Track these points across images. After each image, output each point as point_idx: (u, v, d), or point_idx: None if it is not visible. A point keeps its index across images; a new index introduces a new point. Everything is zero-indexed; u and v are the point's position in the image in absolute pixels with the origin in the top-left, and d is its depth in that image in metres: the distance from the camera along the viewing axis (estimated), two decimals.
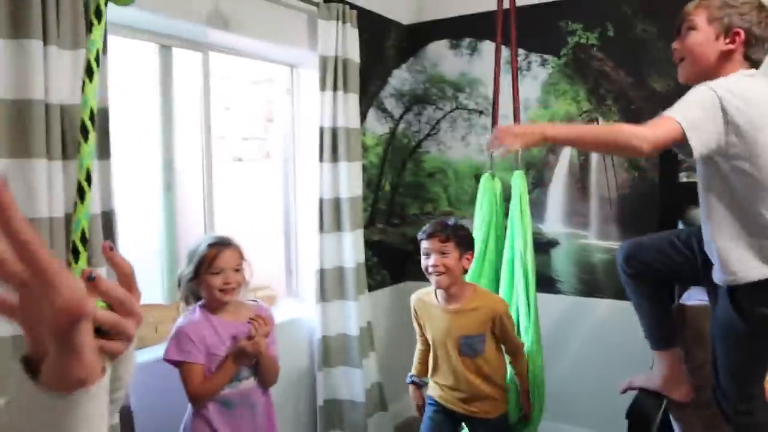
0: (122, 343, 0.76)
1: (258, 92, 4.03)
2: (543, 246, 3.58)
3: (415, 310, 2.69)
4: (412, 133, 4.04)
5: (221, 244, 2.24)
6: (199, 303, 2.27)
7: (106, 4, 0.80)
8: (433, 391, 2.65)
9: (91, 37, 0.79)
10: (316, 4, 3.09)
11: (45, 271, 0.55)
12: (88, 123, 0.78)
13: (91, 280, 0.70)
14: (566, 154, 3.54)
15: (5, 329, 1.90)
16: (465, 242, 2.54)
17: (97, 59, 0.79)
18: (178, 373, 2.17)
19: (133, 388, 2.24)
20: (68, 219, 2.07)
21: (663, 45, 3.14)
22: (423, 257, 2.53)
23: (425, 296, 2.66)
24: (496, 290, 2.84)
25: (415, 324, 2.71)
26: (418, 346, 2.75)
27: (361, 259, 3.27)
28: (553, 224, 3.58)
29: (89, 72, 0.79)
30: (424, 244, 2.52)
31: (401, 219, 4.02)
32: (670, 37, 3.07)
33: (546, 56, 3.55)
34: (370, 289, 3.56)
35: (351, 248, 3.19)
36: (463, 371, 2.51)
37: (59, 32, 2.02)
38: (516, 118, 2.97)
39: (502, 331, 2.53)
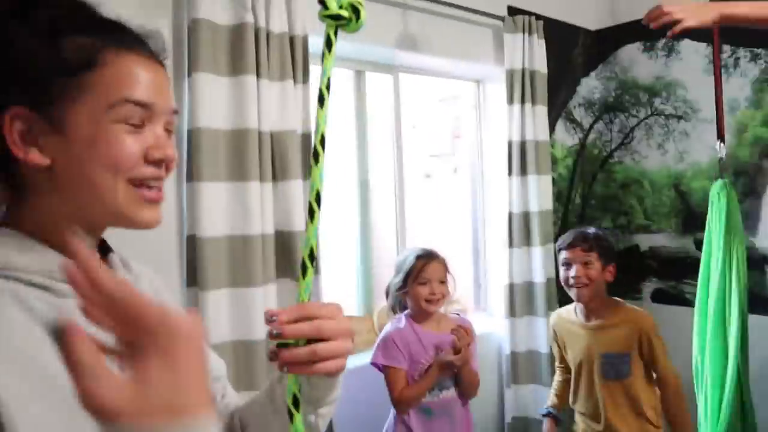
0: (343, 359, 0.81)
1: (445, 110, 4.11)
2: (757, 262, 3.24)
3: (554, 330, 2.50)
4: (603, 143, 3.87)
5: (428, 256, 2.34)
6: (405, 312, 2.37)
7: (336, 33, 0.85)
8: (576, 425, 2.44)
9: (322, 66, 0.85)
10: (502, 18, 3.09)
11: (148, 315, 0.55)
12: (319, 147, 0.84)
13: (276, 336, 0.76)
14: None
15: None
16: (608, 253, 2.36)
17: (328, 87, 0.85)
18: (383, 377, 2.27)
19: None
20: (278, 236, 2.27)
21: None
22: (562, 268, 2.37)
23: (564, 313, 2.48)
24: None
25: (554, 348, 2.52)
26: (556, 377, 2.54)
27: (551, 274, 3.19)
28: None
29: (321, 100, 0.85)
30: (565, 254, 2.36)
31: None
32: None
33: (757, 50, 3.22)
34: (561, 305, 3.45)
35: (540, 263, 3.12)
36: (605, 398, 2.27)
37: (269, 66, 2.22)
38: (720, 120, 2.70)
39: (650, 353, 2.27)
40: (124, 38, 0.77)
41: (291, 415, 0.79)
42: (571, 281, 2.32)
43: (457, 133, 3.87)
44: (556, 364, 2.55)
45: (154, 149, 0.78)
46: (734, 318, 2.42)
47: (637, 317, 2.34)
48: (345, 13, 0.83)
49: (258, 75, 2.19)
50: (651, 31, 3.61)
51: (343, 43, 2.59)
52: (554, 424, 2.43)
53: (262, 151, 2.20)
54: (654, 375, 2.32)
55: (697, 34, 3.33)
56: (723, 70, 3.34)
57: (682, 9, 1.66)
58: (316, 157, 0.83)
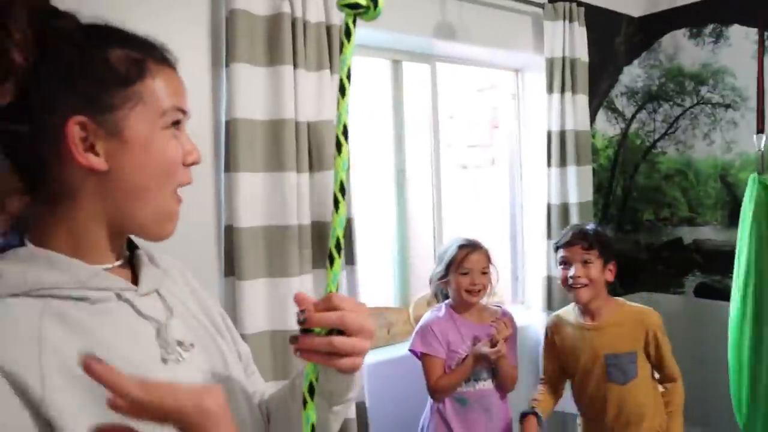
0: (360, 358, 0.81)
1: (482, 99, 4.06)
2: None
3: (551, 332, 2.36)
4: (646, 133, 3.78)
5: (470, 246, 2.31)
6: (446, 302, 2.36)
7: (354, 22, 0.84)
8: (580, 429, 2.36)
9: (341, 56, 0.84)
10: (542, 5, 3.03)
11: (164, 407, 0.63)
12: (341, 137, 0.83)
13: (302, 323, 0.79)
14: None
15: None
16: (608, 251, 2.25)
17: (348, 76, 0.84)
18: (421, 365, 2.26)
19: (368, 386, 2.37)
20: (315, 226, 2.27)
21: None
22: (560, 267, 2.26)
23: (564, 314, 2.36)
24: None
25: (544, 355, 2.38)
26: (540, 387, 2.38)
27: None
28: None
29: (342, 90, 0.84)
30: (563, 253, 2.25)
31: (634, 225, 3.78)
32: None
33: None
34: None
35: None
36: (611, 402, 2.18)
37: (306, 56, 2.21)
38: (760, 111, 2.58)
39: (657, 351, 2.18)
40: (156, 52, 0.83)
41: (305, 403, 0.81)
42: (570, 281, 2.22)
43: (495, 124, 3.82)
44: (540, 375, 2.42)
45: (189, 154, 0.85)
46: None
47: (642, 314, 2.24)
48: (363, 1, 0.82)
49: (295, 65, 2.18)
50: (699, 16, 3.53)
51: (379, 33, 2.59)
52: (535, 422, 2.23)
53: (299, 142, 2.19)
54: (657, 374, 2.24)
55: (746, 18, 3.23)
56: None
57: None
58: (339, 147, 0.84)
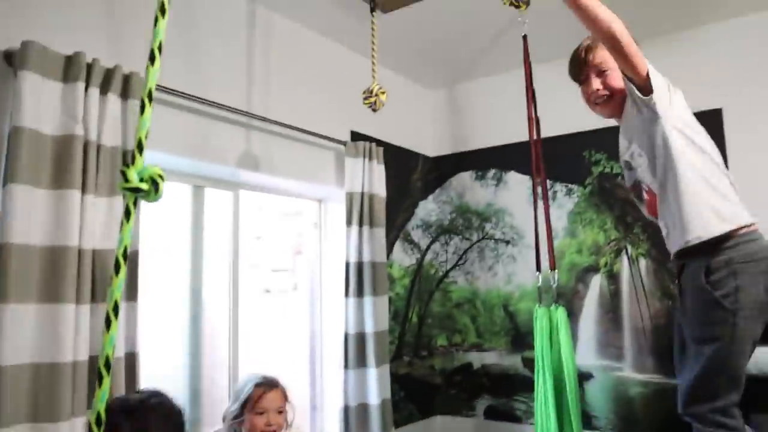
0: None
1: (288, 224, 4.12)
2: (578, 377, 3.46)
3: None
4: (440, 263, 4.05)
5: (267, 385, 2.27)
6: None
7: (135, 204, 0.85)
8: None
9: (120, 235, 0.84)
10: (344, 143, 3.21)
11: None
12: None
13: None
14: (596, 283, 3.49)
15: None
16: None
17: (124, 256, 0.84)
18: None
19: None
20: (92, 362, 2.09)
21: None
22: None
23: None
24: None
25: None
26: None
27: (387, 395, 3.18)
28: (586, 356, 3.47)
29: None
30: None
31: (429, 351, 3.95)
32: None
33: (571, 186, 3.59)
34: (397, 425, 3.44)
35: (376, 384, 3.11)
36: None
37: (97, 181, 2.12)
38: (550, 247, 2.87)
39: None
40: None
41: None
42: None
43: (298, 249, 3.87)
44: None
45: None
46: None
47: None
48: (145, 186, 0.85)
49: (84, 190, 2.07)
50: (483, 161, 3.94)
51: (182, 160, 2.56)
52: None
53: (82, 271, 2.05)
54: None
55: (521, 166, 3.67)
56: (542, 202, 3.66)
57: None
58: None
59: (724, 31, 3.26)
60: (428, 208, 4.04)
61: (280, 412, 2.25)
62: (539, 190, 2.78)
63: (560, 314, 2.54)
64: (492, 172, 3.89)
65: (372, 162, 3.28)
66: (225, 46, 2.82)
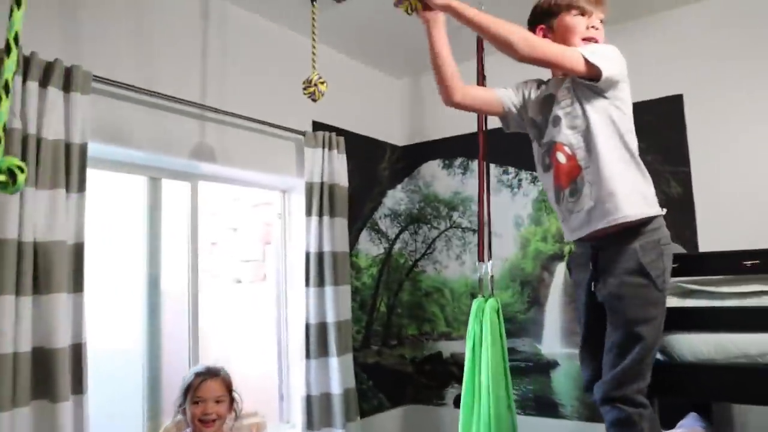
0: None
1: (257, 215, 4.13)
2: (542, 367, 3.47)
3: None
4: (409, 253, 4.05)
5: (206, 374, 2.29)
6: (187, 430, 2.27)
7: None
8: None
9: None
10: (303, 133, 3.21)
11: None
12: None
13: None
14: (560, 271, 3.49)
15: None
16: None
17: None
18: None
19: None
20: (36, 353, 2.10)
21: (651, 159, 3.15)
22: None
23: None
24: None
25: None
26: None
27: (351, 384, 3.20)
28: (552, 345, 3.48)
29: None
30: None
31: (399, 340, 3.96)
32: (657, 152, 3.12)
33: (536, 173, 3.58)
34: (365, 414, 3.46)
35: (338, 374, 3.12)
36: None
37: (38, 174, 2.13)
38: (481, 225, 2.89)
39: None
40: None
41: None
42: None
43: (267, 240, 3.88)
44: None
45: None
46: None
47: None
48: (2, 177, 0.85)
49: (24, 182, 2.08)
50: (450, 150, 3.94)
51: (135, 152, 2.56)
52: None
53: (22, 263, 2.06)
54: None
55: (488, 155, 3.66)
56: (509, 190, 3.66)
57: None
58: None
59: (682, 16, 3.24)
60: (397, 197, 4.04)
61: (219, 402, 2.26)
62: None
63: (489, 306, 2.57)
64: (459, 160, 3.89)
65: (332, 152, 3.28)
66: (179, 38, 2.82)
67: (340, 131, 3.45)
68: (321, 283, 3.15)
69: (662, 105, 3.23)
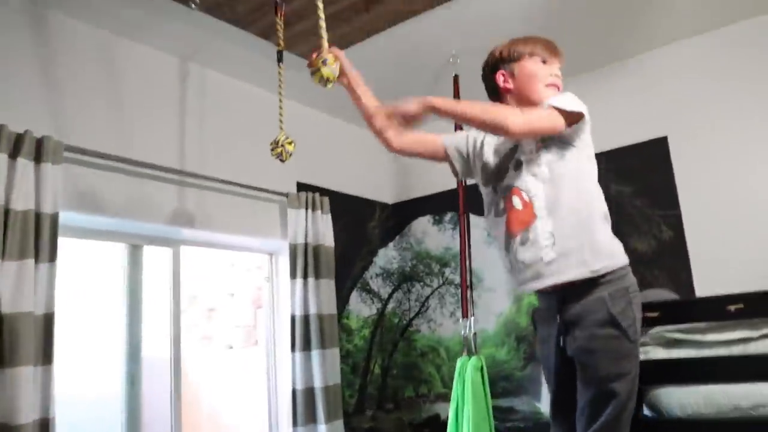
0: None
1: (251, 279, 4.09)
2: (542, 428, 3.32)
3: None
4: (403, 312, 3.97)
5: None
6: None
7: None
8: None
9: None
10: (286, 195, 3.20)
11: None
12: None
13: None
14: None
15: None
16: None
17: None
18: None
19: None
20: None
21: (640, 204, 3.09)
22: None
23: None
24: None
25: None
26: None
27: None
28: (547, 403, 3.33)
29: None
30: None
31: (395, 403, 3.83)
32: (645, 195, 3.07)
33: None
34: None
35: None
36: None
37: (5, 244, 2.12)
38: (463, 281, 2.84)
39: None
40: None
41: None
42: None
43: (259, 304, 3.83)
44: None
45: None
46: None
47: None
48: None
49: None
50: (439, 205, 3.91)
51: (114, 220, 2.55)
52: None
53: None
54: None
55: (476, 207, 3.63)
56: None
57: (408, 101, 1.80)
58: None
59: (660, 58, 3.24)
60: (389, 256, 3.99)
61: None
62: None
63: (470, 365, 2.48)
64: (449, 215, 3.85)
65: (316, 212, 3.25)
66: (156, 104, 2.85)
67: (325, 191, 3.44)
68: (307, 347, 3.08)
69: (647, 148, 3.19)
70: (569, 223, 1.71)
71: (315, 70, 1.85)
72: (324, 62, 1.84)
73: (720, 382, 1.92)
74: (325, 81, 1.85)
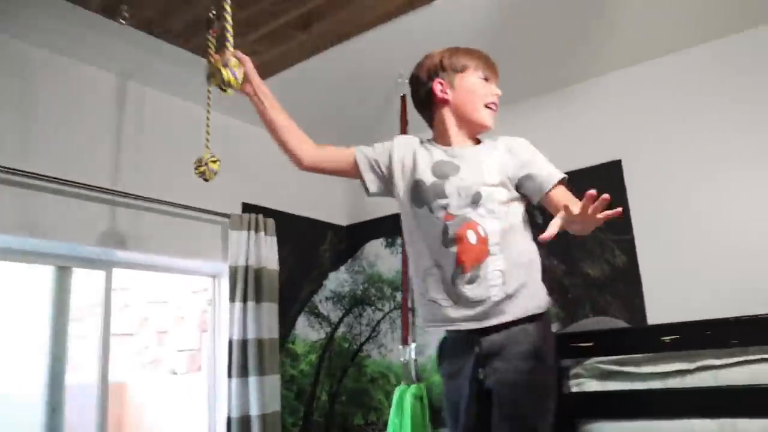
0: None
1: (197, 302, 3.97)
2: None
3: None
4: (353, 337, 3.87)
5: None
6: None
7: None
8: None
9: None
10: (228, 216, 3.09)
11: None
12: None
13: None
14: None
15: None
16: None
17: None
18: None
19: None
20: None
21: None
22: None
23: None
24: None
25: None
26: None
27: None
28: None
29: None
30: None
31: (344, 431, 3.71)
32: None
33: None
34: None
35: None
36: None
37: None
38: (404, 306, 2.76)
39: None
40: None
41: None
42: None
43: (204, 328, 3.71)
44: None
45: None
46: None
47: None
48: None
49: None
50: (392, 228, 3.82)
51: (40, 241, 2.43)
52: None
53: None
54: None
55: None
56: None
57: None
58: None
59: (613, 81, 3.21)
60: (340, 279, 3.89)
61: None
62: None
63: (409, 393, 2.39)
64: (399, 239, 3.77)
65: (260, 234, 3.15)
66: (92, 124, 2.75)
67: (273, 212, 3.34)
68: (245, 373, 2.96)
69: (601, 171, 3.14)
70: (518, 264, 1.63)
71: (214, 71, 1.67)
72: (225, 65, 1.65)
73: (655, 417, 1.83)
74: (225, 85, 1.67)
